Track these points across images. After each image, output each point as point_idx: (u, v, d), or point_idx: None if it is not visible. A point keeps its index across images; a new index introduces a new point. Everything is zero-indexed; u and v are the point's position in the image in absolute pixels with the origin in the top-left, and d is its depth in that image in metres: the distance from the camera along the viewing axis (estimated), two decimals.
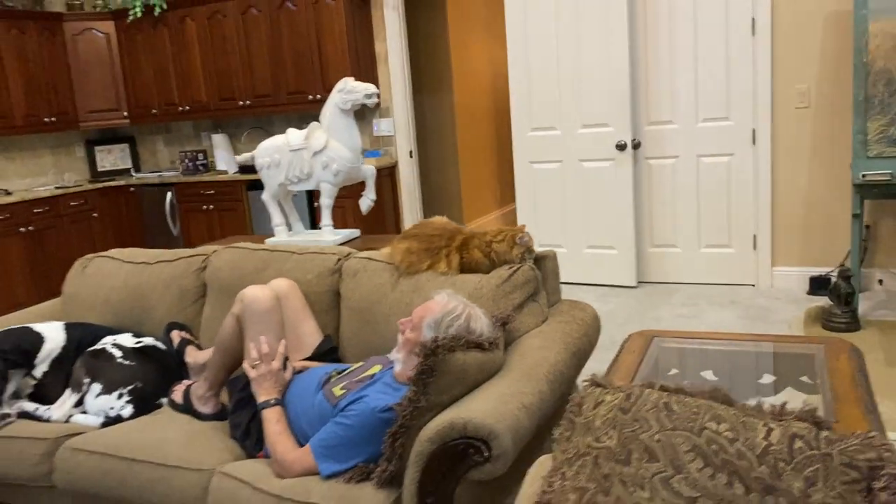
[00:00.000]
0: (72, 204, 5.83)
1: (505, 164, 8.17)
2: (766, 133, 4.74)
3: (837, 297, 4.01)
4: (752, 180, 4.84)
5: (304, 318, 2.52)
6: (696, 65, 4.84)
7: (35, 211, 5.53)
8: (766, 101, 4.71)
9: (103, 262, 3.10)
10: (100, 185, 6.09)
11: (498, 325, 2.10)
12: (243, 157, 3.20)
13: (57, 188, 5.90)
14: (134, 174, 6.59)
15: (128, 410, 2.50)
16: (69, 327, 2.80)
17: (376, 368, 2.15)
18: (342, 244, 3.08)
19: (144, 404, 2.54)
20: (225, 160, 6.20)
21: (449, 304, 1.99)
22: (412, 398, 1.80)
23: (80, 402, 2.57)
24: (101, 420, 2.48)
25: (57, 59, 6.03)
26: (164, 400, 2.61)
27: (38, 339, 2.70)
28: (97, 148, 6.61)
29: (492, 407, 1.75)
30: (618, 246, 5.11)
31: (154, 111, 6.24)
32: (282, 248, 2.78)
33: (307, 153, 2.99)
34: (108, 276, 3.02)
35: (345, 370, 2.24)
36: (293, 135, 3.04)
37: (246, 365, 2.26)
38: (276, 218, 3.15)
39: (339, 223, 5.39)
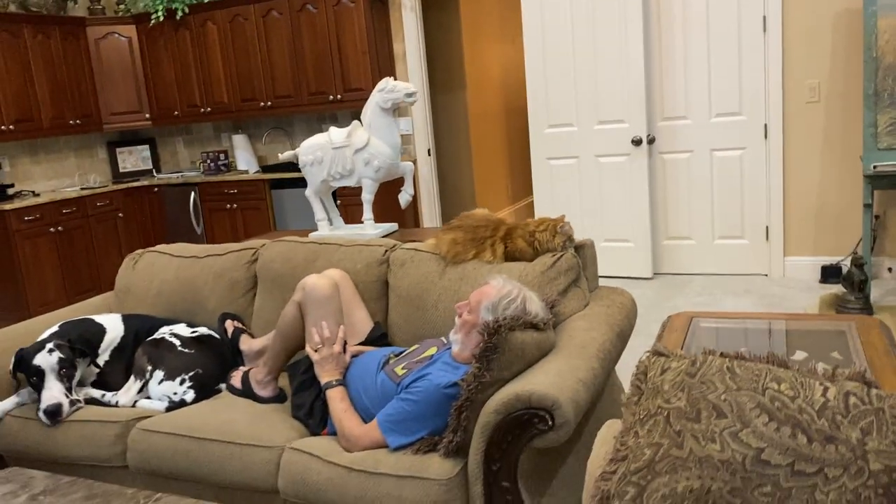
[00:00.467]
0: (98, 204, 5.96)
1: (516, 162, 8.33)
2: (778, 127, 4.89)
3: (851, 284, 4.16)
4: (764, 173, 4.99)
5: (356, 307, 2.66)
6: (709, 61, 4.99)
7: (64, 211, 5.67)
8: (778, 97, 4.86)
9: (153, 256, 3.24)
10: (124, 186, 6.23)
11: (547, 307, 2.24)
12: (286, 155, 3.34)
13: (83, 189, 6.03)
14: (156, 175, 6.72)
15: (190, 395, 2.64)
16: (126, 318, 2.95)
17: (432, 350, 2.29)
18: (383, 237, 3.21)
19: (205, 389, 2.68)
20: (246, 160, 6.33)
21: (504, 287, 2.13)
22: (477, 374, 1.95)
23: (142, 389, 2.71)
24: (165, 405, 2.62)
25: (80, 63, 6.16)
26: (223, 385, 2.75)
27: (100, 330, 2.84)
28: (118, 149, 6.74)
29: (552, 380, 1.89)
30: (634, 239, 5.26)
31: (176, 113, 6.37)
32: (329, 240, 2.92)
33: (349, 150, 3.13)
34: (159, 270, 3.16)
35: (401, 352, 2.38)
36: (335, 133, 3.18)
37: (309, 349, 2.40)
38: (319, 213, 3.29)
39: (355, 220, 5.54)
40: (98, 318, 2.90)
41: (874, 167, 4.19)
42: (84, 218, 5.84)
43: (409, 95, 3.03)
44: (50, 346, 2.62)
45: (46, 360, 2.58)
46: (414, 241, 2.90)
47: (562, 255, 2.50)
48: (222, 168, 6.39)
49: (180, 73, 6.27)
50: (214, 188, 6.08)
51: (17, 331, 2.95)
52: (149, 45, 6.34)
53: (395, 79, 5.86)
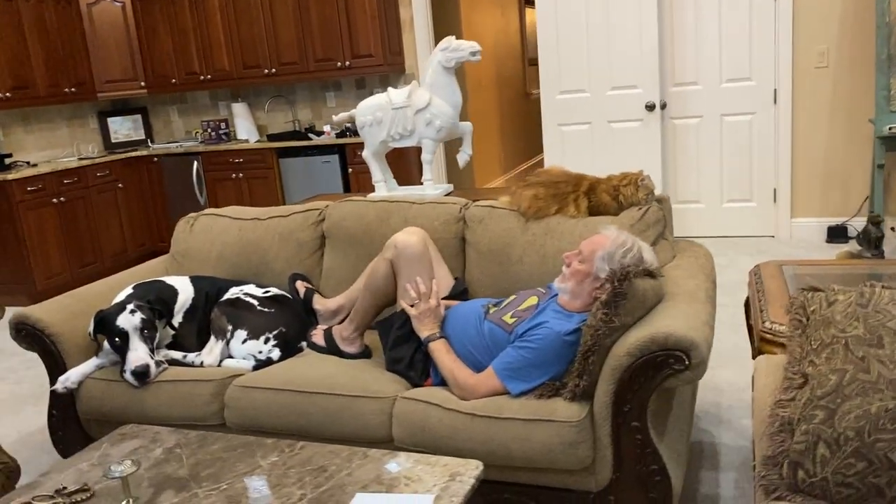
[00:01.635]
0: (98, 175, 5.81)
1: (507, 131, 8.37)
2: (787, 92, 5.03)
3: (868, 241, 4.34)
4: (772, 137, 5.14)
5: (437, 263, 2.68)
6: (720, 27, 5.09)
7: (65, 182, 5.51)
8: (787, 62, 4.99)
9: (210, 219, 3.20)
10: (122, 156, 6.08)
11: None
12: (340, 117, 3.32)
13: (80, 159, 5.87)
14: (151, 145, 6.57)
15: (276, 353, 2.64)
16: (195, 280, 2.92)
17: (533, 299, 2.33)
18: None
19: (289, 348, 2.68)
20: (246, 129, 6.24)
21: (619, 237, 2.18)
22: (605, 319, 2.00)
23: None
24: (252, 363, 2.61)
25: (73, 29, 5.96)
26: (304, 344, 2.75)
27: (173, 292, 2.81)
28: (110, 119, 6.56)
29: (684, 322, 1.95)
30: None
31: (174, 80, 6.23)
32: (399, 198, 2.93)
33: (410, 111, 3.13)
34: (220, 232, 3.13)
35: (498, 303, 2.42)
36: (394, 93, 3.18)
37: (404, 304, 2.42)
38: (377, 174, 3.29)
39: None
40: (169, 280, 2.86)
41: (890, 129, 4.36)
42: (85, 189, 5.69)
43: (474, 54, 3.04)
44: (130, 307, 2.58)
45: (129, 320, 2.55)
46: (478, 199, 2.92)
47: (648, 208, 2.56)
48: (223, 137, 6.28)
49: (178, 39, 6.12)
50: (218, 157, 5.98)
51: (81, 294, 2.89)
52: (143, 10, 6.16)
53: (403, 45, 5.80)
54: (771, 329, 1.92)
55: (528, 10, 8.94)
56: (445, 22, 6.87)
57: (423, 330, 2.38)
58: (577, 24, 5.28)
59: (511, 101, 8.50)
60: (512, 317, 2.28)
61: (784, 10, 4.92)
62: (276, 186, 5.86)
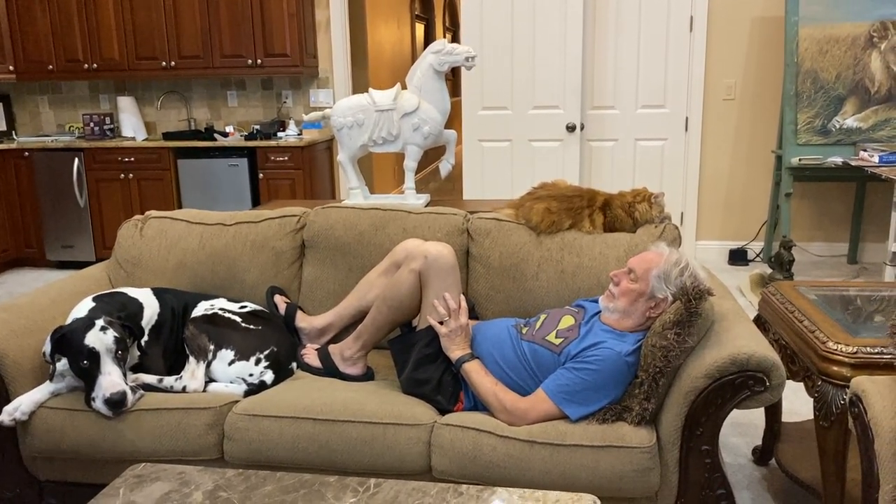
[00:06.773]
0: None
1: None
2: (698, 121, 5.29)
3: (780, 264, 4.61)
4: (682, 163, 5.38)
5: None
6: (639, 55, 5.27)
7: None
8: (699, 92, 5.26)
9: (163, 223, 2.82)
10: None
11: None
12: (313, 116, 3.04)
13: None
14: (16, 137, 5.81)
15: (269, 376, 2.34)
16: (157, 293, 2.55)
17: (570, 319, 2.22)
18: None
19: (281, 369, 2.40)
20: (133, 126, 5.68)
21: (672, 255, 2.12)
22: (678, 340, 1.93)
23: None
24: (243, 388, 2.30)
25: None
26: (294, 365, 2.47)
27: (139, 306, 2.43)
28: None
29: (755, 343, 1.92)
30: None
31: (50, 67, 5.54)
32: (393, 207, 2.72)
33: (396, 114, 2.93)
34: (177, 238, 2.76)
35: (528, 322, 2.29)
36: (378, 95, 2.96)
37: (432, 321, 2.23)
38: (353, 181, 3.04)
39: (285, 194, 5.21)
40: (131, 292, 2.47)
41: (800, 160, 4.68)
42: None
43: (469, 59, 2.90)
44: (101, 322, 2.19)
45: (101, 339, 2.16)
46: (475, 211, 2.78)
47: (665, 226, 2.54)
48: (108, 133, 5.67)
49: (59, 21, 5.46)
50: (104, 155, 5.38)
51: (21, 308, 2.41)
52: None
53: (317, 46, 5.52)
54: (839, 350, 1.93)
55: (417, 25, 8.89)
56: (352, 29, 6.65)
57: (455, 350, 2.21)
58: (502, 43, 5.26)
59: None
60: (557, 337, 2.15)
61: (698, 43, 5.18)
62: (172, 190, 5.36)
